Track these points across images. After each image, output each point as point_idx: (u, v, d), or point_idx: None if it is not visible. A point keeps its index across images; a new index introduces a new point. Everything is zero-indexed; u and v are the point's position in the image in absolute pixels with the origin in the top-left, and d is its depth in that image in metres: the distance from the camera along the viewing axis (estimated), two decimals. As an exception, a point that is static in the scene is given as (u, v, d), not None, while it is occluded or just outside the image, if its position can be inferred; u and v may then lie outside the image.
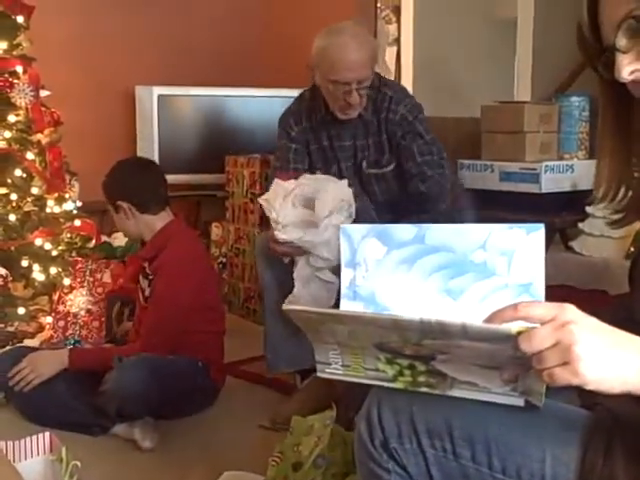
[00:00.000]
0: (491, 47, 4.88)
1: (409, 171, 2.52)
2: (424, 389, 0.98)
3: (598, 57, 1.05)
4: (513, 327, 0.86)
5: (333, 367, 1.03)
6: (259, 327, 3.48)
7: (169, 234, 2.47)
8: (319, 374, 1.04)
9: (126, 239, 3.24)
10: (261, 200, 2.40)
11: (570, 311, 0.86)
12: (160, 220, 2.49)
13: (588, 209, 2.57)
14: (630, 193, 1.12)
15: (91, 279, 2.71)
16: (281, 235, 2.32)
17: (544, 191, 2.62)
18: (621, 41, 0.99)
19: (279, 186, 2.36)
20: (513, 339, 0.85)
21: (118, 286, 2.89)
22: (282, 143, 2.64)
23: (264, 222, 3.59)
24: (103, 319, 2.67)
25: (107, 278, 2.70)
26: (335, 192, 2.31)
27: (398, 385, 0.99)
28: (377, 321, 0.93)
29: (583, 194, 2.63)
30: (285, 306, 1.00)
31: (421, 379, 0.98)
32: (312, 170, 2.61)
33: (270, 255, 2.46)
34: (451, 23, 4.86)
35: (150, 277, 2.47)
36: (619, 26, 0.99)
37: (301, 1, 4.41)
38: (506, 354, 0.90)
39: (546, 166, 2.63)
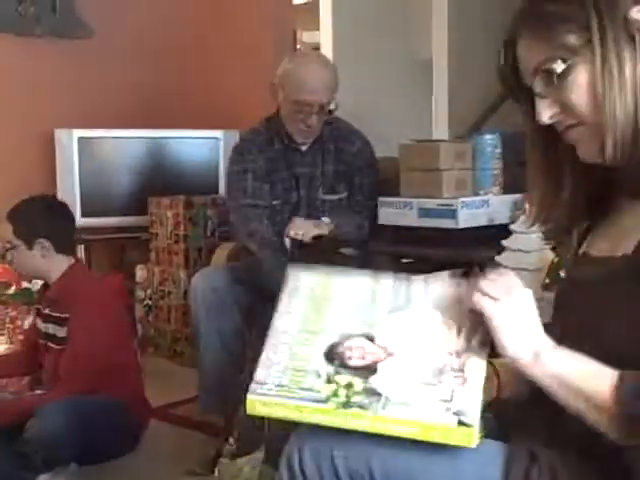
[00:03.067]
0: (409, 87, 5.02)
1: (357, 204, 2.72)
2: (355, 410, 0.99)
3: (520, 94, 1.10)
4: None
5: (267, 387, 1.04)
6: (186, 369, 3.47)
7: (77, 274, 2.46)
8: (249, 395, 1.04)
9: (46, 284, 3.17)
10: None
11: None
12: (67, 261, 2.46)
13: (504, 242, 2.65)
14: (559, 214, 1.16)
15: (11, 326, 2.65)
16: None
17: (461, 226, 2.68)
18: (538, 88, 1.05)
19: None
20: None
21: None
22: (240, 177, 2.64)
23: (190, 263, 3.60)
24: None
25: (28, 325, 2.63)
26: None
27: (328, 406, 1.00)
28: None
29: (499, 228, 2.71)
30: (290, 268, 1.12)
31: (355, 399, 0.99)
32: (272, 200, 2.66)
33: (207, 295, 2.47)
34: (369, 64, 4.98)
35: (63, 317, 2.42)
36: (534, 74, 1.05)
37: (225, 44, 4.46)
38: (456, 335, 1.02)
39: (462, 202, 2.70)
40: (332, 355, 1.03)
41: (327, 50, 5.04)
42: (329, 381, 1.01)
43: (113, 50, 4.30)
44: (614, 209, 1.11)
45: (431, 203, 2.73)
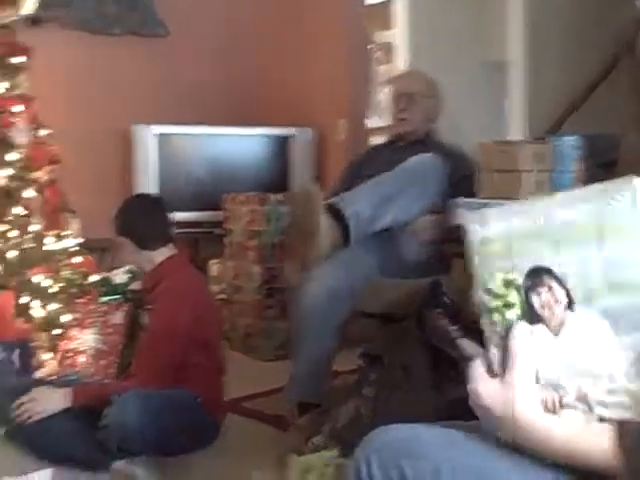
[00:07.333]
0: (484, 88, 4.97)
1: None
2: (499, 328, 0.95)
3: None
4: None
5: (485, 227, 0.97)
6: (259, 363, 3.53)
7: (168, 268, 2.51)
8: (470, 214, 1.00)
9: (127, 275, 3.26)
10: None
11: None
12: (160, 255, 2.53)
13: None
14: None
15: (102, 319, 2.74)
16: None
17: (540, 228, 2.64)
18: None
19: None
20: None
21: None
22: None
23: (264, 258, 3.62)
24: (111, 358, 2.69)
25: (118, 320, 2.72)
26: None
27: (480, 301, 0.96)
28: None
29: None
30: None
31: (497, 319, 0.95)
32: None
33: (327, 282, 2.49)
34: (444, 64, 4.94)
35: (149, 308, 2.50)
36: None
37: (298, 43, 4.49)
38: None
39: (541, 204, 2.66)
40: (533, 276, 0.93)
41: (400, 49, 5.03)
42: (506, 284, 0.94)
43: (189, 48, 4.38)
44: None
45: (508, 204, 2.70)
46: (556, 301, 0.92)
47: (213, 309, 2.72)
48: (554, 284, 0.92)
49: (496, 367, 0.96)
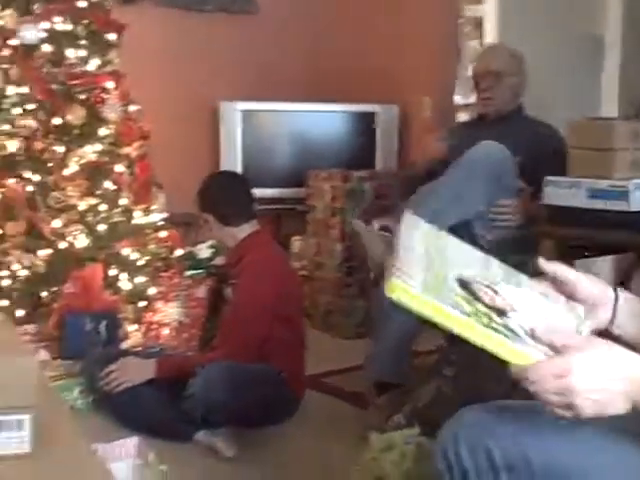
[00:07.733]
0: (576, 63, 4.80)
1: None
2: (501, 337, 0.94)
3: None
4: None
5: (413, 280, 0.95)
6: (339, 341, 3.54)
7: (250, 243, 2.56)
8: (394, 279, 0.94)
9: (210, 250, 3.31)
10: None
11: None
12: (242, 231, 2.57)
13: (680, 228, 2.50)
14: None
15: (185, 293, 2.81)
16: None
17: (634, 209, 2.54)
18: None
19: None
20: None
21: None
22: None
23: (346, 236, 3.62)
24: (194, 331, 2.75)
25: (201, 293, 2.78)
26: None
27: (470, 321, 0.93)
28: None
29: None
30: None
31: (496, 326, 0.95)
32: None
33: None
34: (535, 38, 4.79)
35: (233, 282, 2.54)
36: None
37: (383, 20, 4.43)
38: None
39: (636, 183, 2.56)
40: (465, 285, 0.98)
41: (491, 25, 4.90)
42: (467, 301, 0.96)
43: (276, 26, 4.38)
44: None
45: (602, 184, 2.61)
46: (495, 292, 0.99)
47: (295, 285, 2.74)
48: (478, 286, 0.99)
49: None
